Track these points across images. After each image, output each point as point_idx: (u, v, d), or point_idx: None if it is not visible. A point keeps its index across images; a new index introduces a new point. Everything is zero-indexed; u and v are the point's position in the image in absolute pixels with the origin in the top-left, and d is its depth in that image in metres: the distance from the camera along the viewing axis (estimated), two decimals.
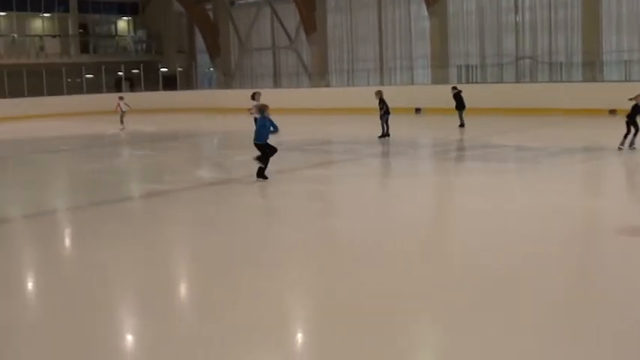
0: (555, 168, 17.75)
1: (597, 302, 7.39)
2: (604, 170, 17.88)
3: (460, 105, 28.38)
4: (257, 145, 15.68)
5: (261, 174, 15.67)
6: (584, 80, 36.53)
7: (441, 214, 13.11)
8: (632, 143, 18.80)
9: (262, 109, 16.01)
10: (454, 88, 29.20)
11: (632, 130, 18.79)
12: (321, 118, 30.45)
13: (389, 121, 24.86)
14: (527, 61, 40.52)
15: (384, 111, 24.88)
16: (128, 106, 34.17)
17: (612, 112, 31.62)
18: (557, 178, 16.10)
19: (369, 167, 19.04)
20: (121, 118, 33.68)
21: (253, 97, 22.07)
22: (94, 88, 51.35)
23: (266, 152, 15.66)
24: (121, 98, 34.73)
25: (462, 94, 28.48)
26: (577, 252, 9.74)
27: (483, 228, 10.99)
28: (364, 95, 40.36)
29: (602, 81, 36.03)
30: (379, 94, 25.45)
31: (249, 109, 21.65)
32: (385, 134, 24.67)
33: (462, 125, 28.01)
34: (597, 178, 16.99)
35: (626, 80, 35.17)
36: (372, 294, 7.75)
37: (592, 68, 36.66)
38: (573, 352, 6.10)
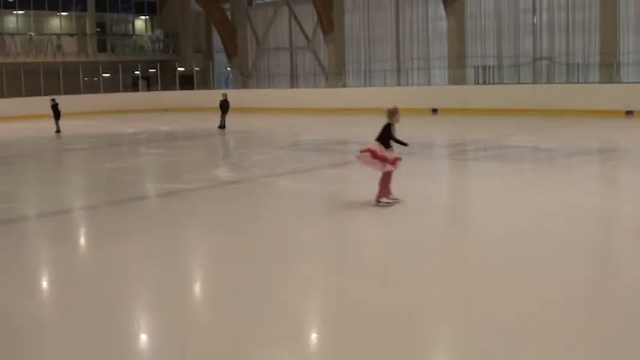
0: (571, 169, 17.74)
1: (614, 303, 7.39)
2: (620, 171, 17.83)
3: (57, 115, 32.65)
4: None
5: None
6: (601, 81, 36.52)
7: (454, 215, 13.09)
8: None
9: None
10: (52, 100, 33.28)
11: None
12: (337, 118, 30.48)
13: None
14: (545, 62, 40.44)
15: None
16: None
17: (629, 113, 31.68)
18: (573, 179, 16.09)
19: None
20: None
21: None
22: (110, 87, 51.60)
23: None
24: None
25: (59, 107, 32.96)
26: (594, 253, 9.71)
27: (499, 229, 11.00)
28: (381, 95, 40.54)
29: (619, 82, 36.01)
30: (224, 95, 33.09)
31: None
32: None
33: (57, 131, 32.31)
34: (614, 179, 16.93)
35: None
36: (384, 293, 7.78)
37: (609, 69, 36.61)
38: (588, 354, 6.11)
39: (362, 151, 12.70)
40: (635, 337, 6.36)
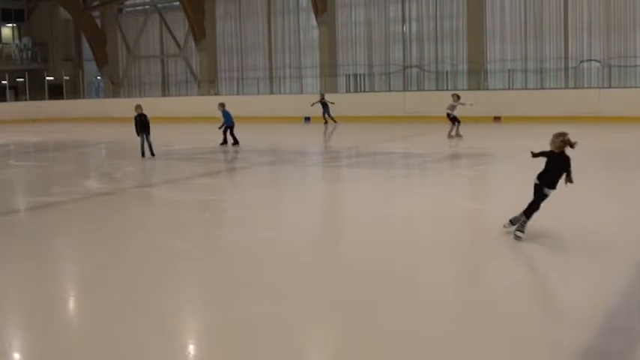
0: (443, 174, 18.11)
1: (484, 303, 7.59)
2: (490, 175, 18.31)
3: None
4: None
5: None
6: (469, 88, 37.51)
7: (331, 221, 13.22)
8: None
9: None
10: None
11: None
12: (210, 126, 30.23)
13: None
14: (414, 70, 41.30)
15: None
16: None
17: (497, 118, 32.63)
18: (445, 183, 16.44)
19: (259, 176, 19.05)
20: None
21: None
22: None
23: None
24: None
25: None
26: (465, 254, 9.93)
27: (374, 233, 11.14)
28: (254, 104, 40.59)
29: (487, 89, 37.08)
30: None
31: None
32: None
33: None
34: (483, 183, 17.35)
35: (509, 88, 36.30)
36: (263, 301, 7.79)
37: (476, 77, 37.69)
38: (461, 353, 6.25)
39: None
40: (502, 336, 6.55)
